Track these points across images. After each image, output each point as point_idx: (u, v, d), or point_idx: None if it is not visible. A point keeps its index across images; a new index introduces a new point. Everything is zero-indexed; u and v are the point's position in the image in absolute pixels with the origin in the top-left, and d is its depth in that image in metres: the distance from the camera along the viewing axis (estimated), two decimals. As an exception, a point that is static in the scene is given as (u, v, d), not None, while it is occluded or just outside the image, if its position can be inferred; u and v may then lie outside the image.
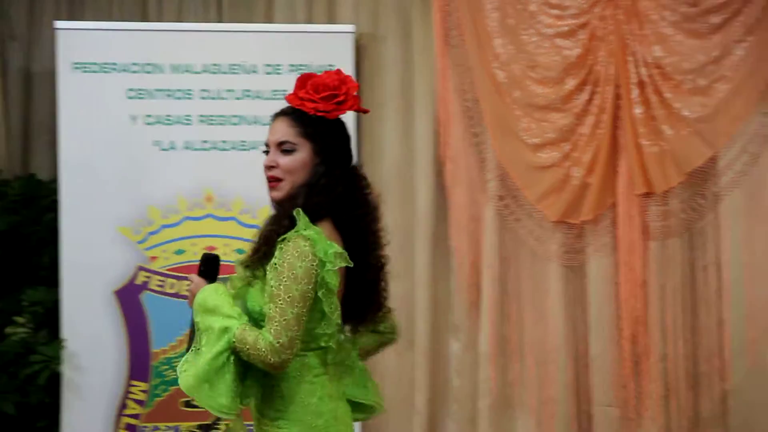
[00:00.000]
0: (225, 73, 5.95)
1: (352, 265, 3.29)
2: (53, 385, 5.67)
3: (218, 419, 5.50)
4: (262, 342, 3.15)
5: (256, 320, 3.26)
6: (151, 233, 5.83)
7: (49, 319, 5.76)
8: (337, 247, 3.25)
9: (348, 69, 5.93)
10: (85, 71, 5.86)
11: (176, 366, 3.28)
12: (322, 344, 3.31)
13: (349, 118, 5.83)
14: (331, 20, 6.29)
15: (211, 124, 5.91)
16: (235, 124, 5.89)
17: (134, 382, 5.75)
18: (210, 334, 3.21)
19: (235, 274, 3.39)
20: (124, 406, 5.75)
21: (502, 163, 6.05)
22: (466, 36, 6.08)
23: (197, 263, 3.43)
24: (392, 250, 6.01)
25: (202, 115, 5.92)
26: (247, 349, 3.17)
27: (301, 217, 3.24)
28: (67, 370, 5.69)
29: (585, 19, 5.98)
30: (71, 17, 6.24)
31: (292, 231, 3.22)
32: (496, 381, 6.02)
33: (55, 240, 5.77)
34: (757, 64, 5.88)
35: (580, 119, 5.98)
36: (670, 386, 5.90)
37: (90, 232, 5.77)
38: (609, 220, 5.98)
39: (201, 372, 3.17)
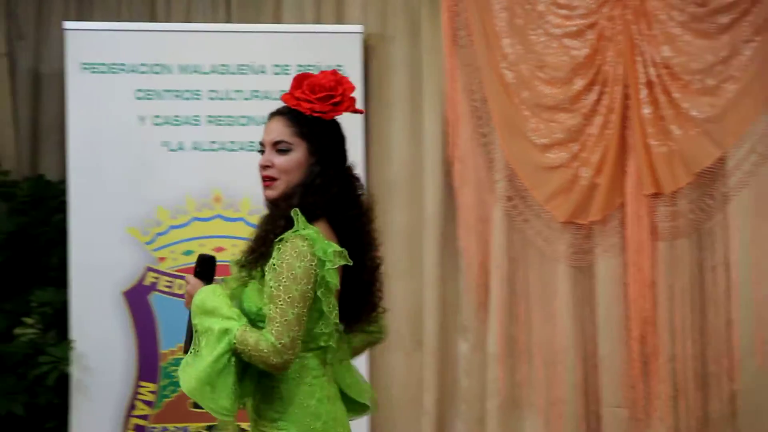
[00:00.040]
0: (233, 73, 5.95)
1: (351, 264, 3.29)
2: (62, 385, 5.68)
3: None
4: (264, 343, 3.15)
5: (253, 321, 3.25)
6: (160, 234, 5.84)
7: (57, 319, 5.77)
8: (336, 246, 3.25)
9: (356, 69, 5.96)
10: (94, 72, 5.87)
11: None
12: (322, 344, 3.31)
13: (357, 118, 5.90)
14: (340, 20, 6.29)
15: (220, 124, 5.91)
16: (243, 124, 5.90)
17: (143, 383, 5.76)
18: (209, 335, 3.20)
19: (230, 275, 3.38)
20: (132, 406, 5.76)
21: (511, 164, 6.05)
22: (475, 36, 6.08)
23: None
24: (400, 250, 6.13)
25: (210, 116, 5.92)
26: (249, 350, 3.16)
27: (298, 217, 3.23)
28: (75, 371, 5.70)
29: (593, 19, 5.97)
30: (80, 18, 6.25)
31: (290, 231, 3.22)
32: (505, 381, 6.02)
33: (64, 241, 5.78)
34: (765, 64, 5.85)
35: (588, 119, 5.98)
36: (679, 387, 5.89)
37: (98, 233, 5.78)
38: (617, 221, 5.97)
39: (203, 374, 3.16)
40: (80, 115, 5.84)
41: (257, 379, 3.28)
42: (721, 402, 5.90)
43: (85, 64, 5.87)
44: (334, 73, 3.39)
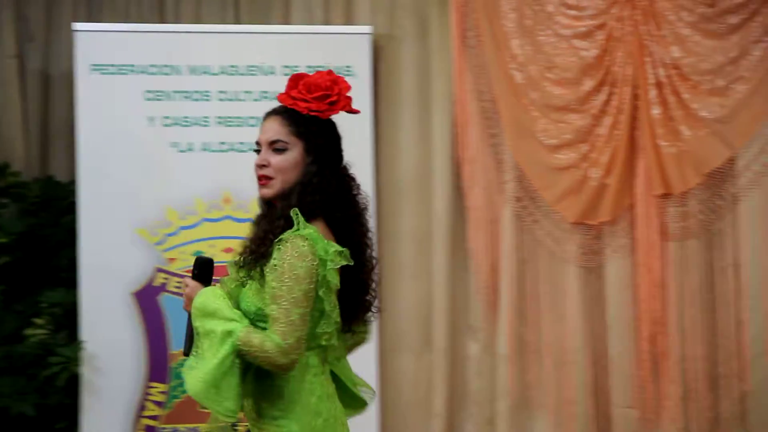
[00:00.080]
0: (243, 74, 5.95)
1: (353, 263, 3.29)
2: (72, 386, 5.68)
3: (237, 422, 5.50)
4: (269, 344, 3.14)
5: (252, 321, 3.24)
6: (169, 235, 5.84)
7: (67, 320, 5.77)
8: (337, 246, 3.25)
9: (365, 70, 5.96)
10: (103, 73, 5.87)
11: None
12: (323, 343, 3.30)
13: (366, 120, 5.90)
14: (349, 21, 6.29)
15: (229, 125, 5.91)
16: (252, 125, 5.88)
17: (153, 384, 5.76)
18: (212, 338, 3.19)
19: (227, 276, 3.38)
20: (143, 407, 5.76)
21: (520, 165, 6.05)
22: (484, 37, 6.08)
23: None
24: (410, 251, 6.14)
25: (219, 117, 5.92)
26: (254, 351, 3.15)
27: (298, 217, 3.23)
28: (86, 372, 5.70)
29: (602, 20, 5.98)
30: (89, 19, 6.25)
31: (290, 231, 3.21)
32: (515, 382, 6.02)
33: (74, 242, 5.78)
34: (775, 65, 5.89)
35: (597, 120, 5.98)
36: (689, 387, 5.89)
37: (108, 234, 5.78)
38: (627, 221, 5.98)
39: (208, 377, 3.15)
40: (90, 117, 5.84)
41: (257, 379, 3.28)
42: (731, 402, 5.91)
43: (94, 65, 5.87)
44: (330, 73, 3.38)
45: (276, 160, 3.32)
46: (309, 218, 3.26)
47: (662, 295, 5.91)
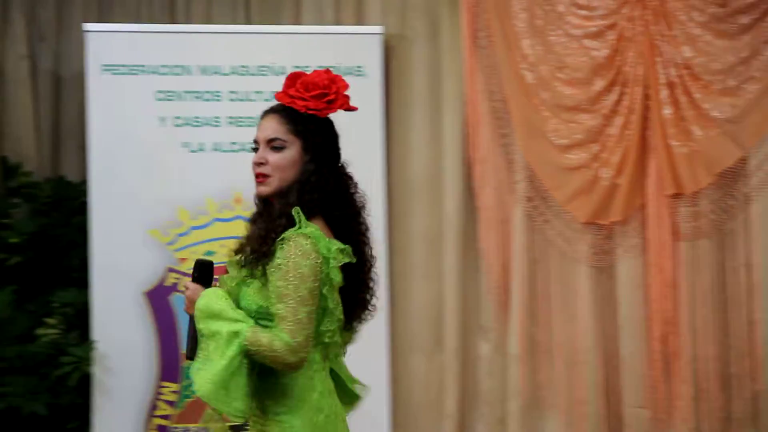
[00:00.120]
0: (253, 74, 5.95)
1: (355, 261, 3.30)
2: (84, 386, 5.69)
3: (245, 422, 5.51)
4: (278, 343, 3.15)
5: (254, 319, 3.24)
6: (181, 235, 5.85)
7: (79, 320, 5.78)
8: (339, 244, 3.26)
9: (376, 70, 5.97)
10: (115, 73, 5.88)
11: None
12: (326, 340, 3.31)
13: (377, 120, 5.91)
14: (360, 21, 6.29)
15: (240, 125, 5.91)
16: (263, 125, 5.89)
17: (164, 383, 5.77)
18: (218, 339, 3.19)
19: (226, 275, 3.37)
20: (154, 407, 5.76)
21: (531, 165, 6.05)
22: (495, 37, 6.08)
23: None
24: (421, 251, 6.14)
25: (230, 117, 5.93)
26: (262, 350, 3.16)
27: (299, 216, 3.24)
28: (97, 372, 5.70)
29: (613, 20, 5.98)
30: (100, 19, 6.25)
31: (293, 229, 3.22)
32: (526, 382, 6.02)
33: (85, 242, 5.79)
34: (786, 65, 5.88)
35: (608, 120, 5.98)
36: (701, 387, 5.89)
37: (119, 234, 5.79)
38: (638, 221, 5.98)
39: (216, 378, 3.15)
40: (101, 117, 5.85)
41: (260, 376, 3.27)
42: (743, 402, 5.90)
43: (105, 65, 5.87)
44: (328, 71, 3.38)
45: (274, 158, 3.32)
46: (308, 216, 3.27)
47: (674, 295, 5.91)
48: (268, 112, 3.41)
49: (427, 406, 6.12)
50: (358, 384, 3.58)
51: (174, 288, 5.78)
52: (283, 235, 3.21)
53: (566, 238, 6.04)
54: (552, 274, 6.06)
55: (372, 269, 3.46)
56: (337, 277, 3.25)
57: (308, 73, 3.38)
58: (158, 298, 5.78)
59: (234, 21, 6.33)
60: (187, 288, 3.36)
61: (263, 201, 3.40)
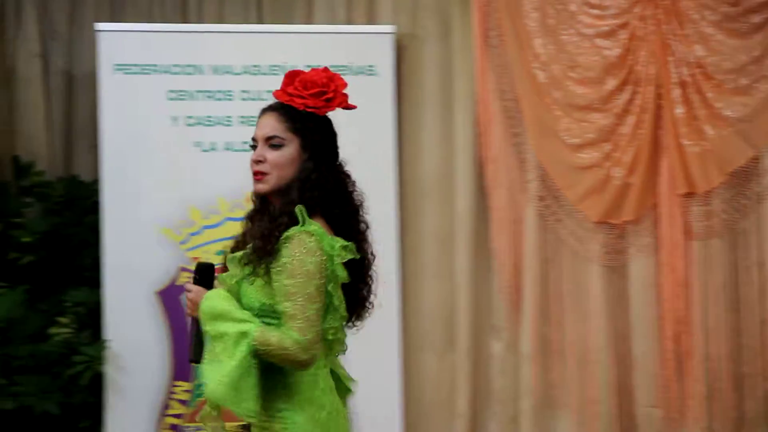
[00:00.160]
0: (265, 74, 5.96)
1: (358, 257, 3.31)
2: (96, 385, 5.70)
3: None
4: (288, 341, 3.15)
5: (257, 317, 3.25)
6: (193, 234, 5.85)
7: (91, 319, 5.78)
8: (342, 241, 3.27)
9: (388, 69, 5.98)
10: (126, 73, 5.88)
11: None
12: (329, 337, 3.32)
13: (388, 120, 5.91)
14: (371, 21, 6.29)
15: (252, 125, 5.75)
16: (275, 125, 5.89)
17: (177, 383, 5.77)
18: (226, 340, 3.19)
19: (225, 273, 3.37)
20: (167, 406, 5.77)
21: (543, 164, 6.05)
22: (506, 36, 6.07)
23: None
24: (433, 251, 6.14)
25: (242, 116, 5.93)
26: (272, 350, 3.16)
27: (302, 214, 3.24)
28: (110, 371, 5.71)
29: (625, 19, 5.97)
30: (112, 19, 6.26)
31: (296, 227, 3.22)
32: (538, 381, 6.02)
33: (97, 241, 5.80)
34: (798, 64, 5.88)
35: (620, 119, 5.98)
36: (713, 387, 5.89)
37: (131, 233, 5.80)
38: (650, 221, 5.98)
39: (227, 379, 3.15)
40: (113, 116, 5.85)
41: (263, 373, 3.26)
42: (755, 402, 5.90)
43: (117, 65, 5.88)
44: (326, 69, 3.39)
45: (272, 156, 3.32)
46: (309, 214, 3.27)
47: (686, 294, 5.90)
48: (266, 110, 3.41)
49: (439, 405, 6.12)
50: (351, 380, 3.58)
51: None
52: (286, 234, 3.21)
53: (578, 237, 6.03)
54: (564, 273, 6.05)
55: (371, 267, 3.45)
56: (342, 274, 3.25)
57: (306, 71, 3.38)
58: (170, 297, 5.78)
59: (246, 20, 6.33)
60: (189, 291, 3.36)
61: (261, 199, 3.40)
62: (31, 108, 6.24)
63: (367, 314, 3.50)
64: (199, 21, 6.34)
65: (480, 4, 6.09)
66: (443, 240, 6.16)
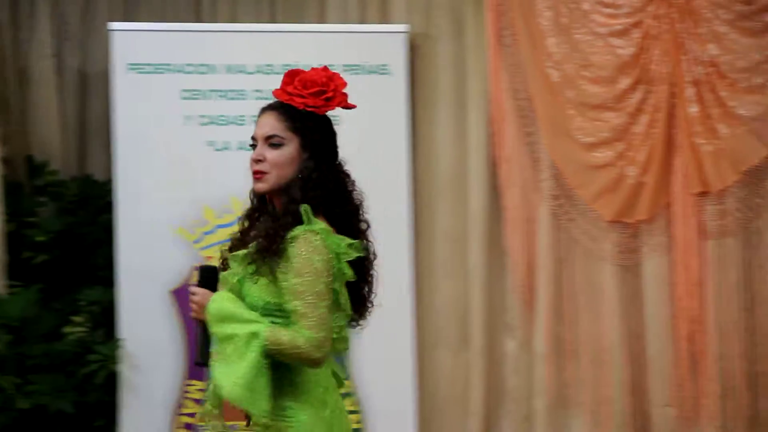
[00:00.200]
0: (278, 73, 5.84)
1: (364, 255, 3.32)
2: (110, 384, 5.71)
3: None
4: (301, 339, 3.15)
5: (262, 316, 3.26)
6: (206, 233, 5.85)
7: (106, 318, 5.79)
8: (347, 239, 3.27)
9: (401, 69, 5.98)
10: (140, 72, 5.89)
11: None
12: (334, 335, 3.31)
13: (402, 119, 5.92)
14: (384, 20, 6.29)
15: (265, 124, 5.90)
16: (288, 124, 5.89)
17: (191, 381, 5.77)
18: (236, 341, 3.18)
19: (227, 271, 3.36)
20: (181, 405, 5.77)
21: (556, 163, 6.04)
22: (519, 35, 6.07)
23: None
24: (447, 250, 6.14)
25: (255, 116, 5.83)
26: (284, 349, 3.16)
27: (307, 213, 3.23)
28: (124, 370, 5.72)
29: (638, 18, 5.97)
30: (125, 18, 6.27)
31: (302, 227, 3.22)
32: (552, 380, 6.02)
33: (111, 240, 5.81)
34: (812, 62, 5.87)
35: (634, 118, 5.97)
36: (727, 386, 5.88)
37: (145, 233, 5.80)
38: (664, 220, 5.97)
39: (244, 381, 3.15)
40: (126, 116, 5.86)
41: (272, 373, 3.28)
42: (770, 401, 5.90)
43: (131, 64, 5.88)
44: (325, 69, 3.38)
45: (272, 155, 3.32)
46: (313, 214, 3.27)
47: (700, 293, 5.90)
48: (266, 109, 3.42)
49: (452, 402, 6.12)
50: (344, 373, 3.58)
51: (200, 286, 5.78)
52: (292, 233, 3.21)
53: (592, 236, 6.03)
54: (577, 272, 6.05)
55: (372, 266, 3.45)
56: (349, 272, 3.25)
57: (306, 70, 3.38)
58: (184, 296, 5.69)
59: (259, 20, 6.33)
60: (194, 293, 3.35)
61: (259, 198, 3.40)
62: (44, 108, 6.25)
63: (368, 313, 3.50)
64: (213, 20, 6.34)
65: (493, 3, 6.08)
66: (457, 239, 6.15)
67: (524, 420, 6.08)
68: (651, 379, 5.96)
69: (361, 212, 3.40)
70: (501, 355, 6.13)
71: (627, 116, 5.97)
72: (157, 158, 5.85)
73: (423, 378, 6.06)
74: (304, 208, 3.23)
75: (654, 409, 5.95)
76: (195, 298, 3.33)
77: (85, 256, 5.99)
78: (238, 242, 3.41)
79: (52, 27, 6.30)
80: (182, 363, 5.78)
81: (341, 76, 3.39)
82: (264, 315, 3.24)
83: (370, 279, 3.43)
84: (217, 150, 5.91)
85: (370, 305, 3.47)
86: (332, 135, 3.41)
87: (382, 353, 5.85)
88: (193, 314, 3.35)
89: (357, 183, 3.41)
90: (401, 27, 6.11)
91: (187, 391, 5.78)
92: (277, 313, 3.23)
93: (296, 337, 3.16)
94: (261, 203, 3.40)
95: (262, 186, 3.34)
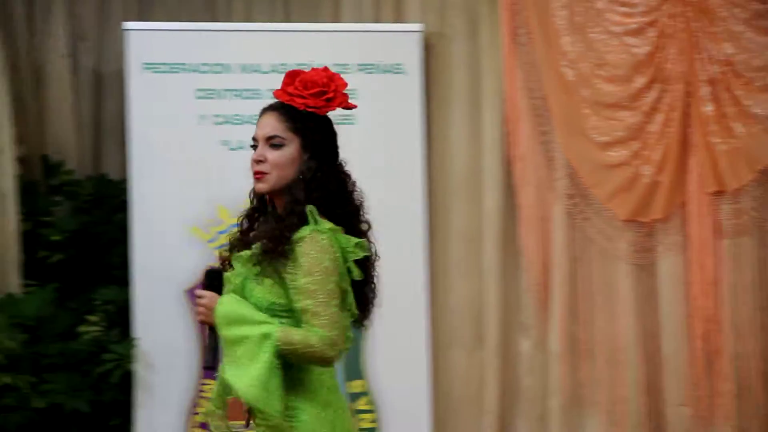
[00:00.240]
0: (293, 73, 5.94)
1: (370, 254, 3.32)
2: (126, 383, 5.71)
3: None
4: (314, 338, 3.16)
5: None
6: (221, 233, 5.85)
7: (121, 317, 5.80)
8: (354, 239, 3.27)
9: (416, 68, 5.98)
10: (155, 71, 5.90)
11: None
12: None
13: (416, 118, 5.91)
14: (399, 19, 6.28)
15: (279, 123, 5.90)
16: (302, 123, 5.89)
17: (206, 381, 5.76)
18: (247, 343, 3.18)
19: (231, 271, 3.35)
20: (196, 404, 5.78)
21: (571, 162, 6.04)
22: (534, 34, 6.07)
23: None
24: (461, 249, 6.14)
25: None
26: (296, 348, 3.16)
27: (313, 213, 3.24)
28: (139, 369, 5.72)
29: (654, 17, 5.96)
30: (140, 18, 6.27)
31: (307, 227, 3.22)
32: (567, 380, 6.01)
33: (126, 239, 5.82)
34: (827, 61, 5.85)
35: (649, 117, 5.97)
36: (743, 385, 5.87)
37: (160, 232, 5.81)
38: (679, 219, 5.97)
39: (259, 382, 3.14)
40: (141, 115, 5.87)
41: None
42: (786, 400, 5.89)
43: (146, 64, 5.89)
44: (326, 69, 3.37)
45: (273, 155, 3.31)
46: None
47: (715, 292, 5.89)
48: (266, 110, 3.40)
49: (467, 401, 6.12)
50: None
51: (215, 286, 5.79)
52: (298, 234, 3.21)
53: (607, 235, 6.02)
54: (593, 271, 6.04)
55: (374, 267, 3.44)
56: (356, 271, 3.26)
57: (307, 71, 3.37)
58: (199, 296, 5.78)
59: (273, 19, 6.33)
60: (201, 297, 3.34)
61: (259, 198, 3.40)
62: (60, 107, 6.25)
63: (371, 314, 3.49)
64: (227, 20, 6.35)
65: (508, 2, 6.08)
66: (471, 238, 6.15)
67: (539, 419, 6.07)
68: (666, 379, 5.95)
69: (361, 213, 3.40)
70: (516, 354, 6.13)
71: (642, 115, 5.97)
72: (172, 157, 5.86)
73: (438, 377, 6.06)
74: (310, 209, 3.24)
75: (669, 408, 5.94)
76: (202, 301, 3.33)
77: (100, 255, 6.00)
78: (238, 242, 3.41)
79: (68, 27, 6.31)
80: (197, 362, 5.78)
81: (342, 76, 3.38)
82: (269, 316, 3.24)
83: (372, 279, 3.44)
84: (232, 149, 5.91)
85: (372, 306, 3.47)
86: (333, 135, 3.40)
87: (397, 352, 5.85)
88: (199, 318, 3.34)
89: (356, 183, 3.41)
90: (416, 26, 6.11)
91: (202, 391, 5.78)
92: (283, 313, 3.24)
93: (309, 336, 3.16)
94: (261, 203, 3.41)
95: (262, 186, 3.34)
